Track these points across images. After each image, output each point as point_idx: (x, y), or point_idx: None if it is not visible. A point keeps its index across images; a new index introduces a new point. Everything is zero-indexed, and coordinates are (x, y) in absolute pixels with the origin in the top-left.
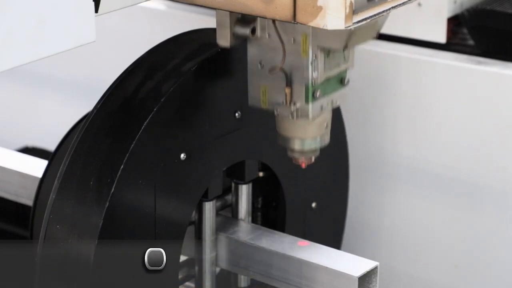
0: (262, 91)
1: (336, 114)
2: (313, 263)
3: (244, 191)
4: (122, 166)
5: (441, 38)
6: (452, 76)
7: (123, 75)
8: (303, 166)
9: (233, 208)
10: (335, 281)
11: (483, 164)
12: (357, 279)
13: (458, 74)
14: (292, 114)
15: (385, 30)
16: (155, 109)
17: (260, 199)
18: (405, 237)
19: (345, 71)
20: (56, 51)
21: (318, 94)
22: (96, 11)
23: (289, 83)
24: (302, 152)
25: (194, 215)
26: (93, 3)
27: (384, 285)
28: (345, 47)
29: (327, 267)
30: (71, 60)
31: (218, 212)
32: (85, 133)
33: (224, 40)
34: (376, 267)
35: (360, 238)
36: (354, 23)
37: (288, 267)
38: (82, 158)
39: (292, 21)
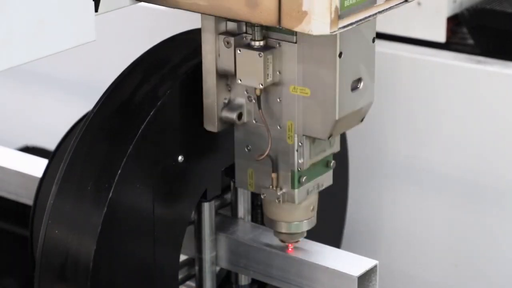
0: (249, 174)
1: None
2: (312, 262)
3: (244, 190)
4: (119, 171)
5: (441, 38)
6: (452, 75)
7: (120, 77)
8: (290, 247)
9: (233, 207)
10: (334, 281)
11: (482, 163)
12: (356, 279)
13: (457, 74)
14: (278, 198)
15: (385, 29)
16: (151, 113)
17: (259, 197)
18: (404, 237)
19: (330, 156)
20: (56, 50)
21: (304, 179)
22: (96, 10)
23: (275, 168)
24: (288, 235)
25: (193, 215)
26: (93, 3)
27: (383, 284)
28: (330, 135)
29: (326, 267)
30: (71, 59)
31: (217, 211)
32: (83, 136)
33: (211, 126)
34: (375, 266)
35: (360, 238)
36: (340, 28)
37: (288, 266)
38: (80, 162)
39: (277, 26)
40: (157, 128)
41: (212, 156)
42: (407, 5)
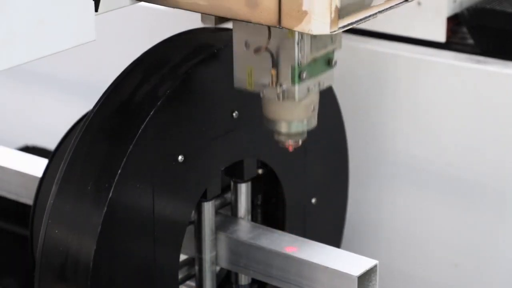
0: (248, 72)
1: (335, 110)
2: (312, 262)
3: (243, 189)
4: (119, 171)
5: (441, 37)
6: (452, 75)
7: (120, 77)
8: (290, 149)
9: (233, 207)
10: (334, 280)
11: (482, 163)
12: (356, 278)
13: (457, 73)
14: (278, 95)
15: (385, 29)
16: (151, 113)
17: (259, 196)
18: (404, 236)
19: (332, 52)
20: (56, 50)
21: (304, 75)
22: (96, 10)
23: (275, 64)
24: (288, 135)
25: (193, 215)
26: (93, 3)
27: (383, 284)
28: None
29: (326, 267)
30: (71, 59)
31: (217, 210)
32: (83, 136)
33: (209, 21)
34: (375, 266)
35: (360, 237)
36: (340, 27)
37: (288, 266)
38: (80, 162)
39: (278, 26)
40: (157, 128)
41: (212, 155)
42: (407, 5)
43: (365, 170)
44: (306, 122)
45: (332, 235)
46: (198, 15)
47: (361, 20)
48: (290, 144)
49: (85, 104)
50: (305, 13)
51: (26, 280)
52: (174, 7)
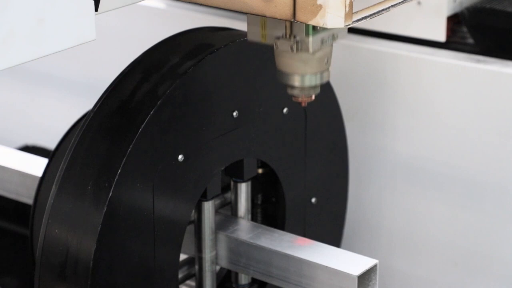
0: (261, 24)
1: (335, 110)
2: (312, 261)
3: (243, 189)
4: (119, 170)
5: (441, 37)
6: (452, 74)
7: (120, 77)
8: (303, 104)
9: (233, 206)
10: (334, 280)
11: (482, 162)
12: (356, 278)
13: (457, 73)
14: (292, 47)
15: (384, 28)
16: (151, 112)
17: (259, 195)
18: (404, 235)
19: None
20: (56, 50)
21: (318, 27)
22: (96, 9)
23: None
24: (302, 89)
25: (193, 214)
26: (93, 2)
27: (383, 283)
28: None
29: (326, 266)
30: (71, 58)
31: (217, 210)
32: (83, 136)
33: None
34: (375, 265)
35: (360, 236)
36: (354, 21)
37: (288, 265)
38: (80, 161)
39: (292, 20)
40: (157, 127)
41: (212, 155)
42: (407, 4)
43: (365, 170)
44: (319, 75)
45: (332, 234)
46: (198, 14)
47: (374, 13)
48: (303, 99)
49: (85, 103)
50: (320, 7)
51: (26, 279)
52: (188, 2)
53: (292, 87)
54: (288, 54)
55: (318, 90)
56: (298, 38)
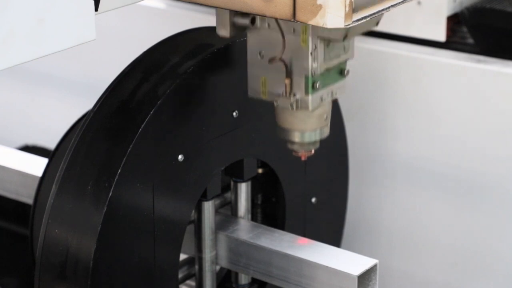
0: (262, 82)
1: (335, 110)
2: (312, 261)
3: (243, 189)
4: (119, 170)
5: (441, 37)
6: (452, 74)
7: (119, 77)
8: (303, 158)
9: (233, 206)
10: (334, 280)
11: (482, 162)
12: (356, 278)
13: (457, 73)
14: (291, 105)
15: (385, 28)
16: (151, 112)
17: (259, 195)
18: (404, 235)
19: (344, 62)
20: (56, 50)
21: (318, 85)
22: (96, 9)
23: (288, 74)
24: (302, 145)
25: (193, 214)
26: (93, 2)
27: (383, 283)
28: (345, 37)
29: (326, 266)
30: (71, 58)
31: (217, 210)
32: (83, 136)
33: (224, 31)
34: (375, 265)
35: (360, 236)
36: (354, 21)
37: (288, 265)
38: (80, 161)
39: (292, 20)
40: (157, 127)
41: (212, 155)
42: (407, 4)
43: (365, 169)
44: (319, 131)
45: (332, 234)
46: (198, 14)
47: (374, 14)
48: (303, 153)
49: (85, 102)
50: (320, 6)
51: (26, 279)
52: (190, 2)
53: (292, 142)
54: (288, 111)
55: (317, 145)
56: (297, 96)
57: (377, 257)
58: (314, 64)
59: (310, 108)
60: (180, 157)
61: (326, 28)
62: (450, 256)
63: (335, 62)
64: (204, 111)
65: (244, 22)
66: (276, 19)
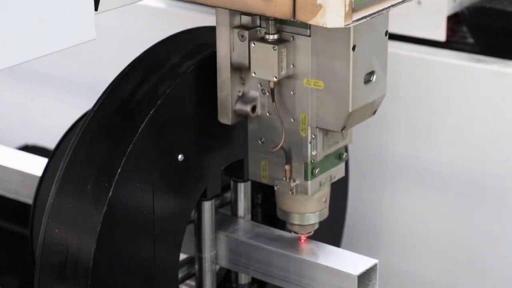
0: (262, 166)
1: None
2: (312, 261)
3: (243, 189)
4: (119, 170)
5: (441, 36)
6: (452, 74)
7: (119, 76)
8: (302, 238)
9: (233, 206)
10: (334, 280)
11: (482, 162)
12: (356, 278)
13: (457, 72)
14: (291, 190)
15: None
16: (151, 112)
17: (259, 195)
18: (405, 235)
19: (343, 148)
20: (56, 49)
21: (317, 171)
22: (96, 9)
23: (288, 160)
24: (301, 227)
25: (193, 214)
26: (93, 1)
27: (384, 283)
28: (343, 128)
29: (326, 266)
30: (71, 58)
31: (217, 209)
32: (83, 135)
33: (225, 119)
34: (375, 265)
35: (360, 236)
36: (354, 21)
37: (288, 265)
38: (80, 161)
39: (292, 19)
40: (157, 127)
41: (212, 155)
42: (407, 4)
43: (365, 169)
44: (318, 214)
45: (332, 234)
46: (198, 14)
47: (374, 13)
48: (303, 234)
49: (85, 102)
50: (320, 6)
51: (26, 279)
52: (190, 2)
53: (292, 224)
54: (288, 195)
55: (316, 226)
56: (297, 181)
57: (377, 257)
58: (313, 152)
59: (310, 193)
60: (180, 157)
61: (325, 119)
62: (450, 256)
63: (334, 148)
64: (204, 111)
65: (245, 110)
66: (277, 109)
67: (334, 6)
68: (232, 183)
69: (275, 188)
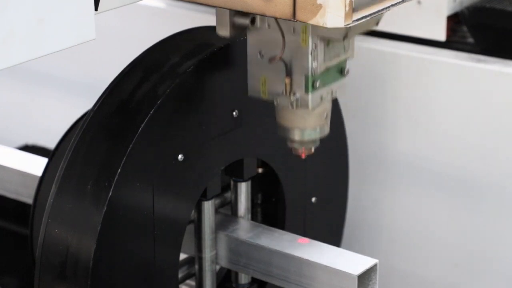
0: (262, 81)
1: (335, 109)
2: (312, 261)
3: (243, 188)
4: (119, 170)
5: (441, 36)
6: (452, 74)
7: (119, 76)
8: (303, 156)
9: (233, 206)
10: (334, 279)
11: (483, 162)
12: (356, 277)
13: (458, 72)
14: (291, 104)
15: (385, 28)
16: (151, 112)
17: (259, 195)
18: (405, 235)
19: (345, 61)
20: (56, 49)
21: (318, 84)
22: (96, 9)
23: (288, 73)
24: (302, 143)
25: (193, 214)
26: (93, 1)
27: (384, 283)
28: (345, 36)
29: (326, 266)
30: (71, 58)
31: (217, 209)
32: (83, 135)
33: (224, 30)
34: (375, 265)
35: (360, 236)
36: (354, 21)
37: (288, 265)
38: (80, 161)
39: (292, 19)
40: (157, 127)
41: (212, 155)
42: (407, 3)
43: (365, 169)
44: (319, 129)
45: (332, 234)
46: (198, 14)
47: (374, 13)
48: (303, 151)
49: (85, 102)
50: (320, 6)
51: (26, 279)
52: (190, 1)
53: (292, 140)
54: (288, 109)
55: (317, 143)
56: (297, 95)
57: (377, 257)
58: (314, 63)
59: (310, 106)
60: (180, 157)
61: (326, 28)
62: (450, 256)
63: (335, 61)
64: (204, 110)
65: (244, 22)
66: (276, 19)
67: (334, 6)
68: (232, 183)
69: (275, 103)
